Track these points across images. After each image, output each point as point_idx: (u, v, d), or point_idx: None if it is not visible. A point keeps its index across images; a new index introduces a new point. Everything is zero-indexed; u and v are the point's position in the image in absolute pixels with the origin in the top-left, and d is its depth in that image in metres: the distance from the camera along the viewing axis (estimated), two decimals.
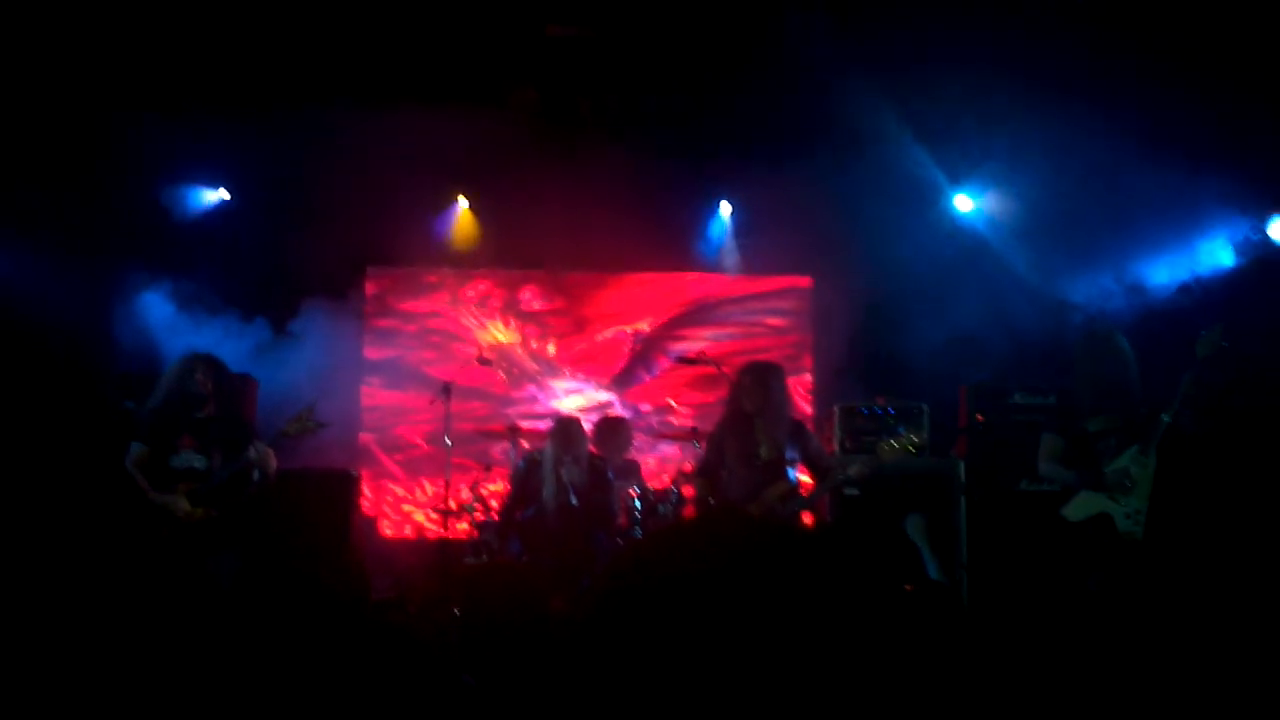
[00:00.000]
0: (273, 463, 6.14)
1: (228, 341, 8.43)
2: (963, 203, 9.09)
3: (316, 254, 8.79)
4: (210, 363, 6.23)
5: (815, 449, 6.39)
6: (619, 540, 7.22)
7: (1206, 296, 7.49)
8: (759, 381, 6.29)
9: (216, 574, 5.92)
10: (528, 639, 3.73)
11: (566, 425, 7.15)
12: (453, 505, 7.94)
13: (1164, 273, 7.81)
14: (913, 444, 5.97)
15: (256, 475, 6.12)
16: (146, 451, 6.04)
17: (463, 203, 9.60)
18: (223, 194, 9.32)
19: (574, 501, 6.79)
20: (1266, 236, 7.78)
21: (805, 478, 6.34)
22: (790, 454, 6.18)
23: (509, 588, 3.97)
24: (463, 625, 4.04)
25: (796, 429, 6.38)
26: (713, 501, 6.33)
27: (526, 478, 7.10)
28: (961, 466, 7.52)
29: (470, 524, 7.79)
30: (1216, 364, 5.41)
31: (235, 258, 9.09)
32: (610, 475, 7.30)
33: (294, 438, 6.28)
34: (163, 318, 8.54)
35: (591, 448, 8.22)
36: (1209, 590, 5.65)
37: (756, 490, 6.11)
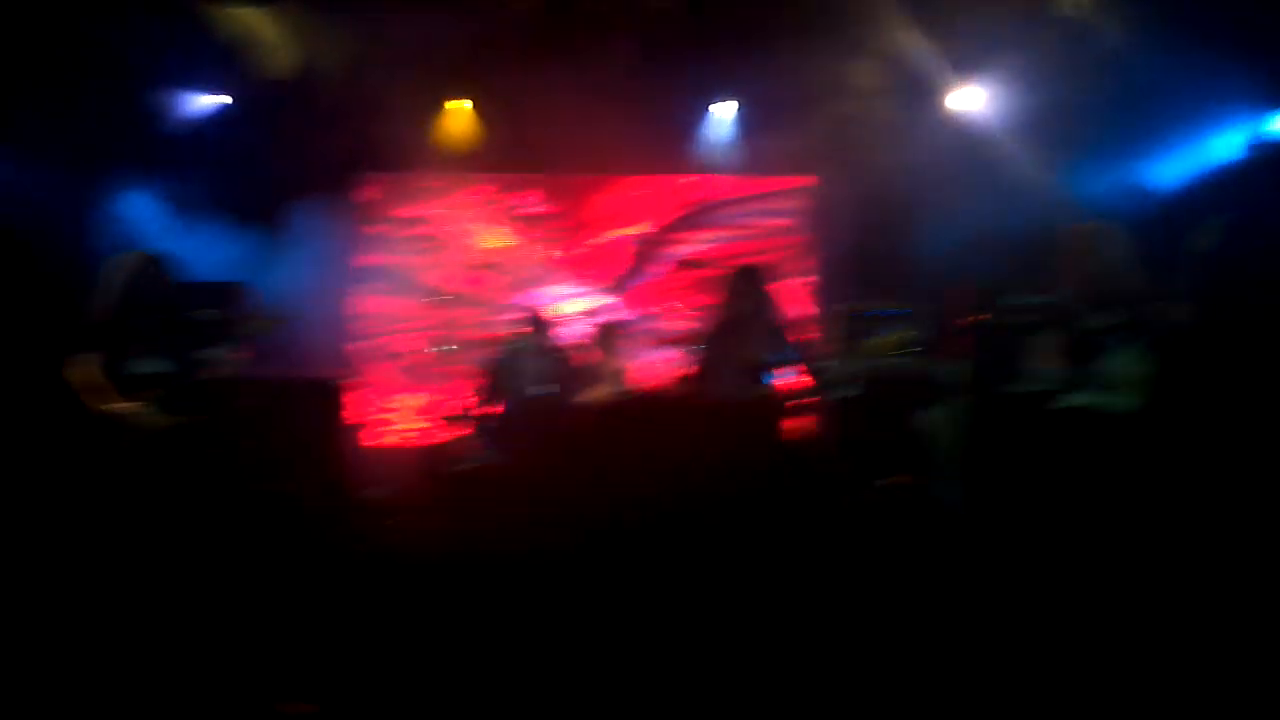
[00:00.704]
0: (231, 364, 6.03)
1: (220, 246, 8.37)
2: (967, 98, 8.88)
3: (313, 158, 8.71)
4: (158, 264, 5.96)
5: (795, 354, 6.35)
6: None
7: (1214, 192, 7.34)
8: (737, 284, 6.27)
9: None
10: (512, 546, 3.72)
11: (532, 316, 7.44)
12: (452, 408, 7.96)
13: (1172, 168, 7.65)
14: (902, 341, 5.92)
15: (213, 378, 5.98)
16: (99, 358, 5.76)
17: (461, 105, 9.41)
18: (224, 99, 9.15)
19: (541, 390, 6.97)
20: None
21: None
22: (773, 358, 6.14)
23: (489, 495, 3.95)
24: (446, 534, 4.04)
25: (776, 333, 6.32)
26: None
27: (499, 371, 7.23)
28: (968, 367, 7.44)
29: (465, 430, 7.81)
30: (1215, 258, 5.30)
31: (229, 162, 8.95)
32: (578, 369, 7.52)
33: (254, 336, 6.17)
34: (152, 221, 8.44)
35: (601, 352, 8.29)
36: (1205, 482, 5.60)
37: (735, 394, 6.09)
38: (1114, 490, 5.39)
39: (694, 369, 6.51)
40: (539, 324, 7.39)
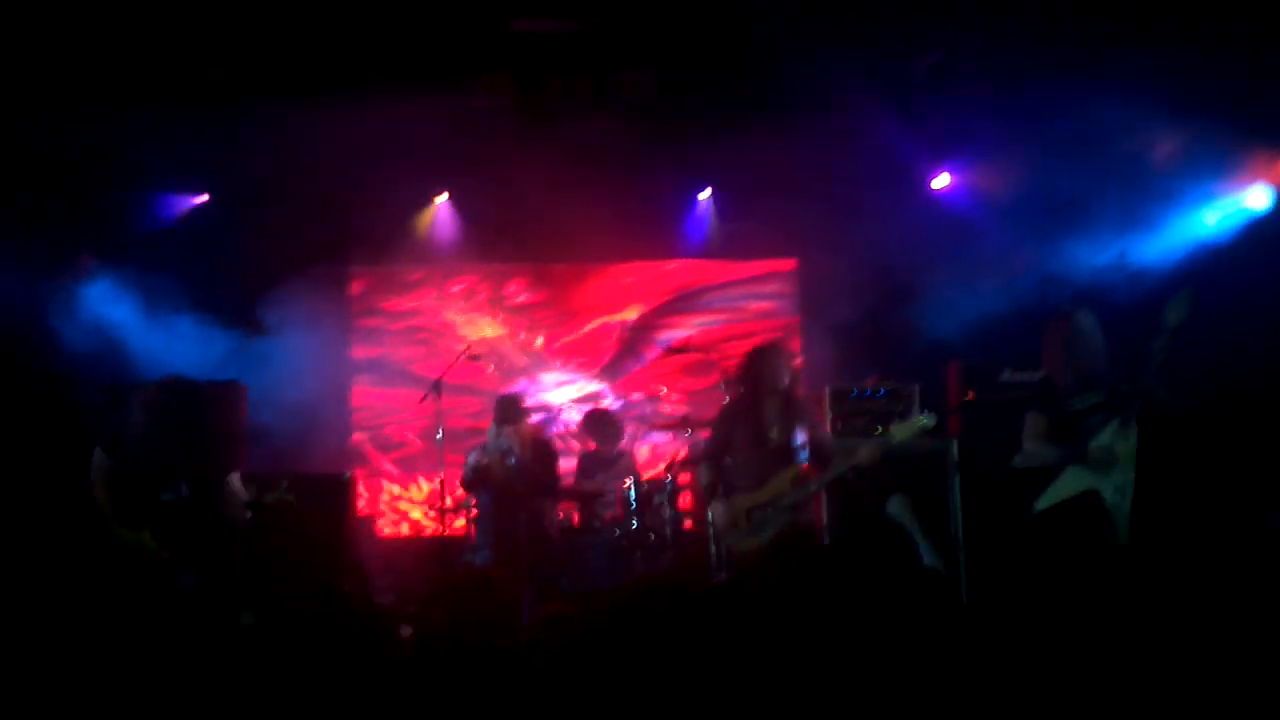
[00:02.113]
0: (242, 498, 5.94)
1: (209, 346, 8.39)
2: (942, 180, 9.07)
3: (298, 254, 8.79)
4: (187, 389, 5.91)
5: (822, 433, 6.31)
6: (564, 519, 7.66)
7: (1200, 268, 7.46)
8: (770, 362, 6.20)
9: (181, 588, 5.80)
10: (497, 650, 3.73)
11: (504, 400, 7.68)
12: (449, 502, 7.99)
13: (1159, 246, 7.80)
14: (924, 425, 5.96)
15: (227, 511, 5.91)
16: (112, 482, 5.67)
17: (443, 198, 9.56)
18: (203, 197, 9.21)
19: (511, 463, 7.16)
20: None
21: None
22: (799, 438, 6.09)
23: (480, 598, 3.97)
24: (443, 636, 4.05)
25: (805, 412, 6.27)
26: (717, 488, 6.25)
27: (489, 460, 7.32)
28: (955, 446, 7.53)
29: (467, 520, 7.84)
30: (1187, 331, 5.42)
31: (212, 260, 8.92)
32: (553, 448, 7.71)
33: (268, 505, 6.18)
34: (138, 323, 8.39)
35: (589, 440, 8.36)
36: (1196, 569, 5.69)
37: (765, 475, 6.02)
38: (1105, 573, 5.48)
39: (710, 450, 6.42)
40: (502, 404, 7.53)
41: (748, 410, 6.23)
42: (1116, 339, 5.73)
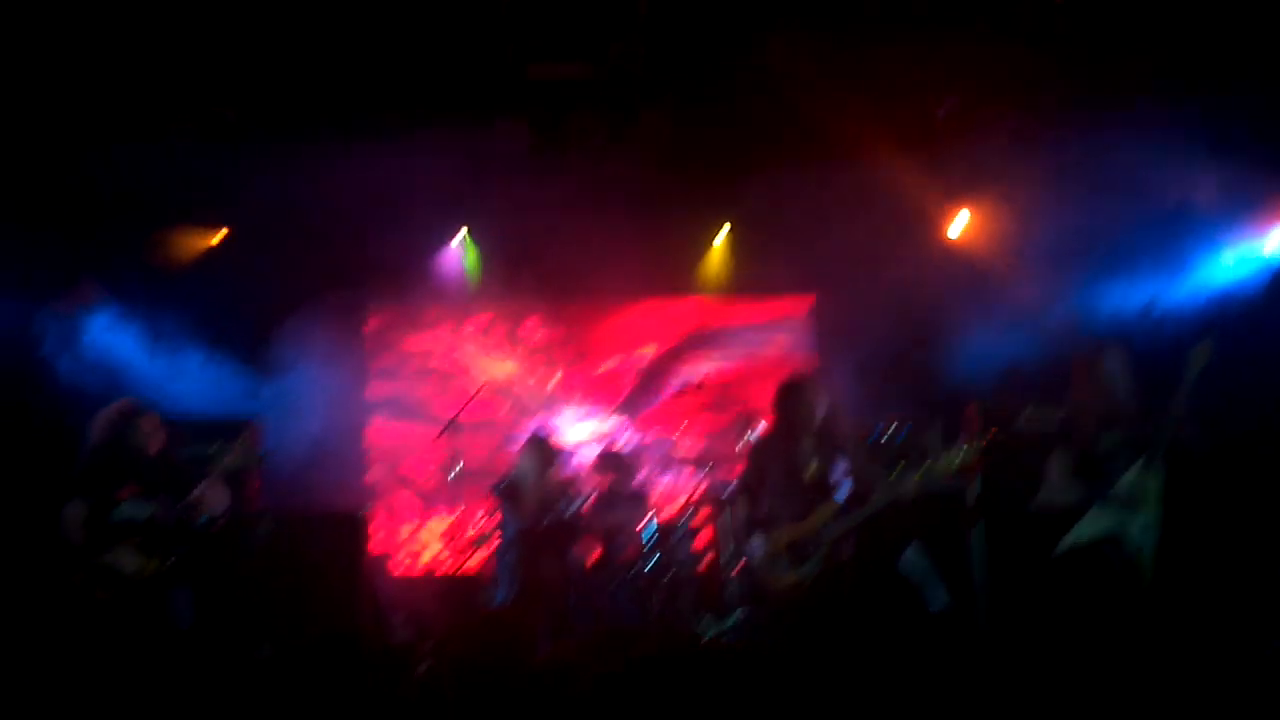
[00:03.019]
0: (223, 500, 5.93)
1: (225, 383, 8.38)
2: (961, 220, 9.03)
3: (315, 290, 8.79)
4: (148, 411, 6.05)
5: (862, 464, 6.22)
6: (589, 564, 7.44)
7: (1223, 311, 7.41)
8: (802, 398, 6.15)
9: (174, 616, 5.77)
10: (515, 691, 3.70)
11: (539, 442, 7.39)
12: (471, 533, 7.94)
13: (1184, 288, 7.74)
14: (965, 458, 5.91)
15: (204, 517, 5.91)
16: (85, 506, 5.81)
17: (461, 237, 9.56)
18: (222, 232, 9.21)
19: (551, 515, 7.00)
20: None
21: None
22: (838, 472, 6.04)
23: (497, 640, 3.94)
24: (457, 677, 4.01)
25: (844, 446, 6.20)
26: (754, 522, 6.17)
27: (506, 499, 7.20)
28: (975, 487, 7.45)
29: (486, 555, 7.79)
30: (1210, 378, 5.39)
31: (232, 296, 8.97)
32: (579, 496, 7.55)
33: (240, 469, 6.15)
34: (153, 358, 8.38)
35: (605, 478, 8.29)
36: (1218, 606, 5.63)
37: (803, 512, 5.98)
38: (1129, 615, 5.42)
39: (744, 484, 6.35)
40: (545, 450, 7.37)
41: (782, 446, 6.18)
42: (1142, 380, 5.70)
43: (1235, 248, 7.63)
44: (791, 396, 6.20)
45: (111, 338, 8.35)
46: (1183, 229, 7.56)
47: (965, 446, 5.99)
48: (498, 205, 8.90)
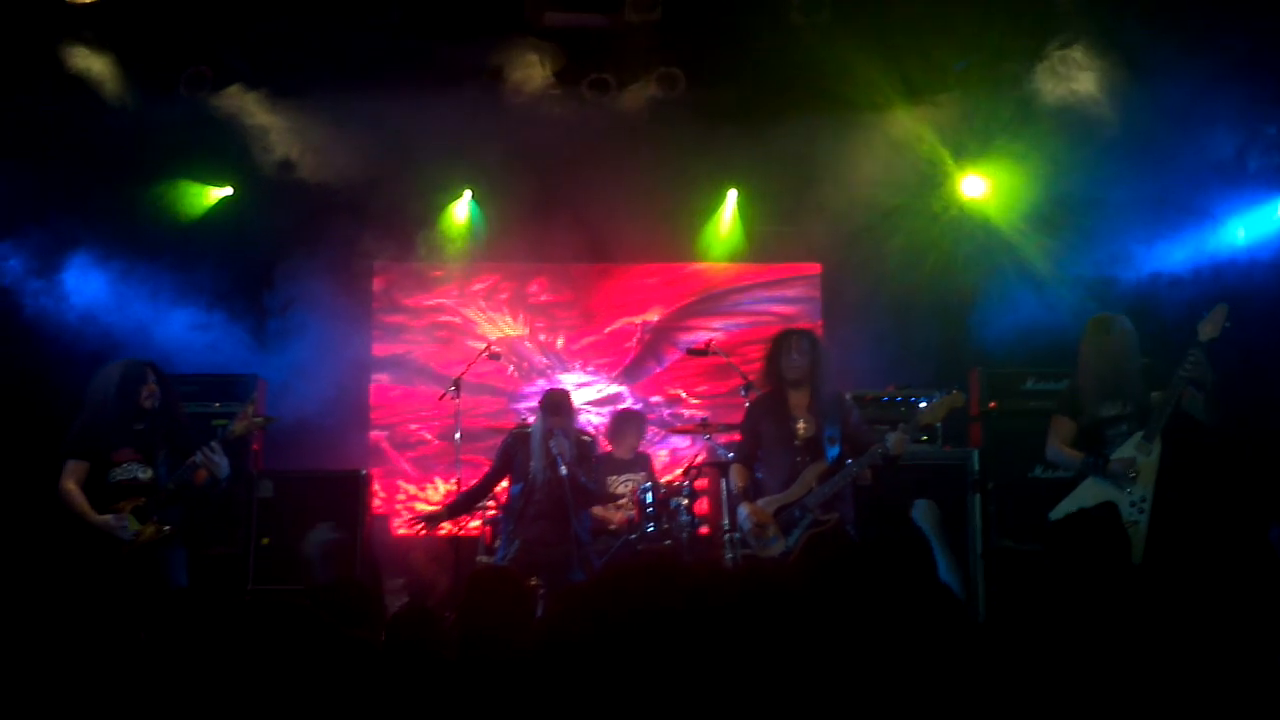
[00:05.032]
0: (223, 465, 5.78)
1: (229, 340, 8.37)
2: (971, 185, 8.92)
3: (321, 248, 8.75)
4: (154, 370, 5.92)
5: (857, 421, 6.14)
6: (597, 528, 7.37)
7: (1216, 278, 7.32)
8: (783, 347, 6.07)
9: (172, 578, 5.75)
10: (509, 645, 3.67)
11: (555, 396, 7.16)
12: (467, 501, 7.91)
13: (1177, 254, 7.66)
14: (954, 403, 5.86)
15: (207, 479, 5.80)
16: (84, 467, 5.71)
17: (468, 196, 9.51)
18: (226, 190, 9.18)
19: (563, 472, 6.69)
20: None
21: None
22: (830, 430, 5.95)
23: (500, 596, 3.92)
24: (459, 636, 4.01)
25: (837, 401, 6.10)
26: (747, 492, 6.10)
27: (512, 451, 7.09)
28: (975, 455, 7.44)
29: (483, 520, 7.78)
30: (1221, 347, 5.34)
31: (237, 254, 8.97)
32: (593, 454, 7.34)
33: (244, 436, 6.11)
34: (159, 315, 8.34)
35: (603, 440, 8.27)
36: (1211, 584, 5.59)
37: (794, 472, 5.93)
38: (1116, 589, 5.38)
39: (741, 452, 6.29)
40: (556, 402, 7.23)
41: (773, 405, 6.13)
42: (1148, 351, 5.66)
43: (1254, 213, 7.54)
44: (773, 350, 6.14)
45: (126, 298, 8.32)
46: (1203, 192, 7.45)
47: (951, 392, 5.94)
48: (505, 164, 8.83)
